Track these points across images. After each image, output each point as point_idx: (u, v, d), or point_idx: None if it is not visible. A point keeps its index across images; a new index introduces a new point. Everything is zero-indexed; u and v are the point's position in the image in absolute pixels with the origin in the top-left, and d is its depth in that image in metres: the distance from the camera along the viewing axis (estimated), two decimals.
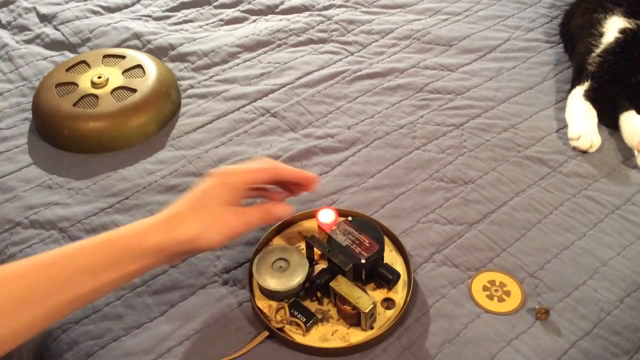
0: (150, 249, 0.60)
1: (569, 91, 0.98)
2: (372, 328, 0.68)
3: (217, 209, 0.64)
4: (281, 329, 0.67)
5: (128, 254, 0.59)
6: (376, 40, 1.14)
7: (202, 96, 1.03)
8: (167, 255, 0.62)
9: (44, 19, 1.21)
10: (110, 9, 1.24)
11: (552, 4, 1.22)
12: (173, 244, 0.61)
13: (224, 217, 0.64)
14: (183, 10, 1.23)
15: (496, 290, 0.73)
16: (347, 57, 1.10)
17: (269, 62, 1.09)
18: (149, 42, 1.13)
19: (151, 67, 1.01)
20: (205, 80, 1.06)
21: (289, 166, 0.72)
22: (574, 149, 0.90)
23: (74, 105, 0.94)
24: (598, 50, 0.97)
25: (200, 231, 0.62)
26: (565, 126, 0.94)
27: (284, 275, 0.69)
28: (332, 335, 0.67)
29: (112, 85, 0.97)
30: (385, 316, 0.69)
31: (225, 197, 0.65)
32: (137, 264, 0.59)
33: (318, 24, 1.17)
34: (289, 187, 0.74)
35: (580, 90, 0.95)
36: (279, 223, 0.77)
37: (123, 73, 1.00)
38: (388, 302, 0.70)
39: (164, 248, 0.61)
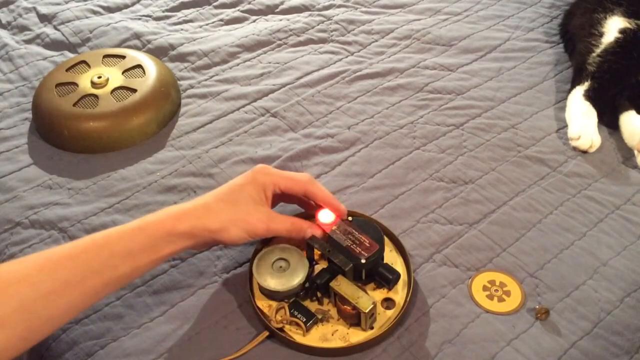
0: (181, 234, 0.63)
1: (569, 91, 0.98)
2: (372, 328, 0.68)
3: (245, 207, 0.66)
4: (281, 329, 0.67)
5: (161, 239, 0.62)
6: (376, 40, 1.14)
7: (202, 96, 1.03)
8: (197, 241, 0.65)
9: (44, 19, 1.21)
10: (110, 9, 1.24)
11: (552, 4, 1.22)
12: (202, 231, 0.64)
13: (250, 217, 0.66)
14: (183, 10, 1.23)
15: (496, 290, 0.73)
16: (347, 57, 1.10)
17: (269, 62, 1.09)
18: (149, 42, 1.13)
19: (151, 67, 1.01)
20: (205, 80, 1.06)
21: (324, 189, 0.73)
22: (574, 149, 0.90)
23: (74, 105, 0.94)
24: (598, 50, 0.97)
25: (225, 225, 0.65)
26: (565, 126, 0.94)
27: (284, 275, 0.69)
28: (332, 335, 0.67)
29: (112, 85, 0.97)
30: (385, 316, 0.69)
31: (253, 195, 0.67)
32: (170, 247, 0.63)
33: (318, 24, 1.18)
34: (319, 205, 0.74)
35: (580, 90, 0.95)
36: None
37: (123, 73, 1.00)
38: (388, 302, 0.70)
39: (194, 234, 0.64)
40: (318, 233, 0.71)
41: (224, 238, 0.66)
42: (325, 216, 0.73)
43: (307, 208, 0.76)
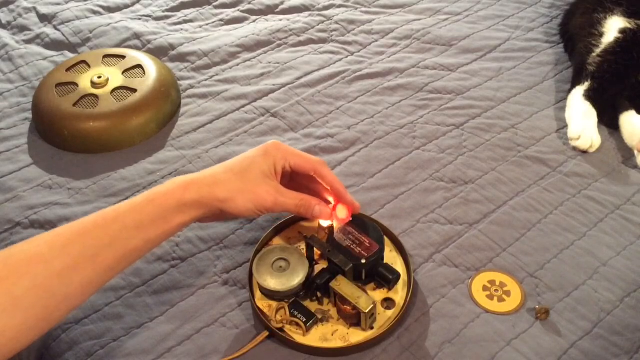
0: (190, 203, 0.63)
1: (569, 91, 0.98)
2: (372, 328, 0.68)
3: (254, 179, 0.66)
4: (281, 329, 0.67)
5: (170, 209, 0.62)
6: (376, 40, 1.14)
7: (202, 96, 1.03)
8: (205, 211, 0.65)
9: (44, 19, 1.21)
10: (110, 9, 1.24)
11: (552, 4, 1.22)
12: (210, 200, 0.64)
13: (258, 188, 0.66)
14: (183, 10, 1.23)
15: (496, 290, 0.73)
16: (347, 57, 1.10)
17: (269, 62, 1.09)
18: (149, 42, 1.13)
19: (151, 67, 1.01)
20: (205, 80, 1.06)
21: (334, 176, 0.72)
22: (574, 149, 0.90)
23: (74, 105, 0.94)
24: (598, 50, 0.97)
25: (232, 195, 0.65)
26: (565, 126, 0.94)
27: (284, 275, 0.69)
28: (332, 335, 0.67)
29: (112, 85, 0.97)
30: (385, 316, 0.69)
31: (263, 169, 0.67)
32: (179, 217, 0.63)
33: (318, 24, 1.17)
34: (328, 194, 0.73)
35: (580, 90, 0.95)
36: (279, 223, 0.78)
37: (123, 73, 1.00)
38: (388, 302, 0.70)
39: (202, 203, 0.64)
40: (326, 212, 0.71)
41: (232, 208, 0.65)
42: (340, 211, 0.73)
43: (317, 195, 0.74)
